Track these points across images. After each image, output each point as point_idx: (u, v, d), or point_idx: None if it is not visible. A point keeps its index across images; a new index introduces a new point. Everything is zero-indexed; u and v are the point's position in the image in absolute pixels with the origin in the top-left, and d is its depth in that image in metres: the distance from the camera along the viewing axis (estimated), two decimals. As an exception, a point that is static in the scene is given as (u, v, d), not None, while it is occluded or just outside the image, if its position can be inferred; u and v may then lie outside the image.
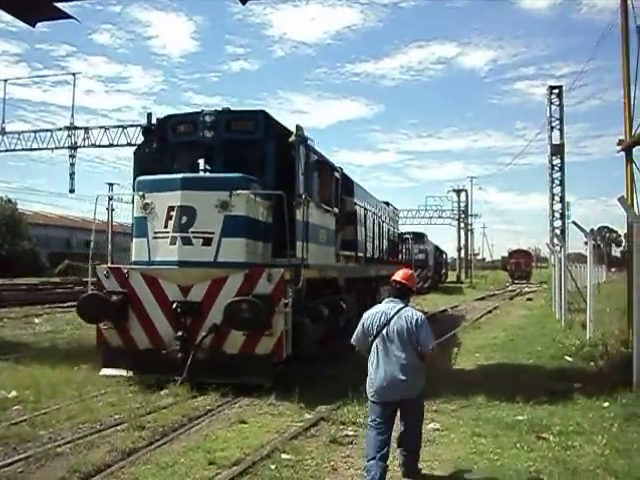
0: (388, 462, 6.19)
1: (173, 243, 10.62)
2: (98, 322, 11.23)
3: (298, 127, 11.56)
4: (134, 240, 11.33)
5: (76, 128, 42.85)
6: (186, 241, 10.55)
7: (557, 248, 26.74)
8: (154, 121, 12.69)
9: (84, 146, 43.11)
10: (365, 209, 17.58)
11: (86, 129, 42.52)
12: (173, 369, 10.26)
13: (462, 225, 74.71)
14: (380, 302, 6.80)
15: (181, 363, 10.25)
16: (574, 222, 19.20)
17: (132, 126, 41.79)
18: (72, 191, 47.03)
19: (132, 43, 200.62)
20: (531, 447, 7.43)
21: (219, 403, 9.62)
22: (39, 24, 14.43)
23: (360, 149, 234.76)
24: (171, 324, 10.68)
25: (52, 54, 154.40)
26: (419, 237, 41.10)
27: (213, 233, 10.55)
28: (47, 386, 10.25)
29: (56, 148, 43.13)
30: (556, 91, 39.34)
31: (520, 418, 8.74)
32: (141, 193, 11.07)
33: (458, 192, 73.32)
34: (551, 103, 39.04)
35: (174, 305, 10.62)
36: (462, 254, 76.80)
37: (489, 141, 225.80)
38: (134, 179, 11.76)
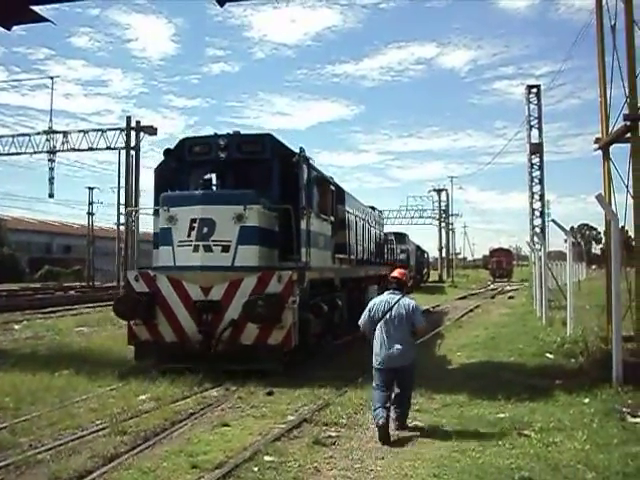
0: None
1: (196, 250, 12.18)
2: (131, 319, 12.61)
3: (301, 149, 13.43)
4: (160, 248, 12.82)
5: (55, 132, 42.66)
6: (207, 248, 12.15)
7: (537, 246, 26.93)
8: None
9: (63, 150, 42.94)
10: (355, 215, 19.34)
11: (65, 133, 42.35)
12: (196, 359, 11.75)
13: (443, 225, 75.08)
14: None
15: (202, 353, 11.77)
16: (553, 220, 19.41)
17: (111, 130, 41.75)
18: (51, 196, 46.86)
19: (111, 46, 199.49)
20: (513, 444, 7.47)
21: (202, 406, 9.61)
22: (15, 27, 14.33)
23: (341, 150, 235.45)
24: (194, 320, 12.19)
25: (30, 57, 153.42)
26: (400, 237, 41.19)
27: (230, 241, 12.15)
28: (27, 393, 10.17)
29: (35, 152, 42.94)
30: (534, 90, 39.65)
31: (502, 416, 8.80)
32: (166, 207, 12.54)
33: (439, 192, 73.68)
34: (529, 102, 39.34)
35: (196, 304, 12.20)
36: (443, 253, 77.11)
37: (469, 141, 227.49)
38: (155, 194, 13.67)
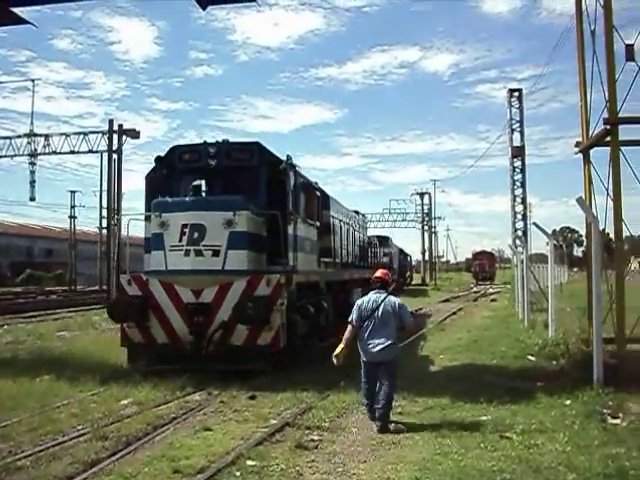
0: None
1: (187, 255, 12.54)
2: (124, 322, 12.95)
3: (288, 157, 13.94)
4: (152, 252, 13.18)
5: (36, 135, 42.36)
6: (198, 253, 12.51)
7: (519, 249, 27.08)
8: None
9: (44, 153, 42.61)
10: (339, 220, 20.08)
11: (46, 136, 42.04)
12: (188, 360, 12.06)
13: (426, 228, 75.24)
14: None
15: (194, 354, 12.10)
16: (535, 223, 19.50)
17: (93, 133, 41.50)
18: (33, 199, 46.61)
19: (94, 48, 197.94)
20: (494, 447, 7.49)
21: (184, 411, 9.57)
22: (-5, 30, 14.22)
23: (324, 153, 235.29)
24: (185, 322, 12.50)
25: (11, 59, 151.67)
26: (383, 240, 41.26)
27: (220, 246, 12.51)
28: (7, 398, 10.08)
29: (15, 155, 42.63)
30: (516, 94, 39.84)
31: (484, 418, 8.83)
32: (157, 213, 12.92)
33: (421, 195, 73.90)
34: (511, 106, 39.53)
35: (188, 306, 12.50)
36: (426, 257, 77.32)
37: (452, 144, 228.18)
38: (146, 200, 14.04)
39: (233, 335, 12.27)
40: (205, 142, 14.48)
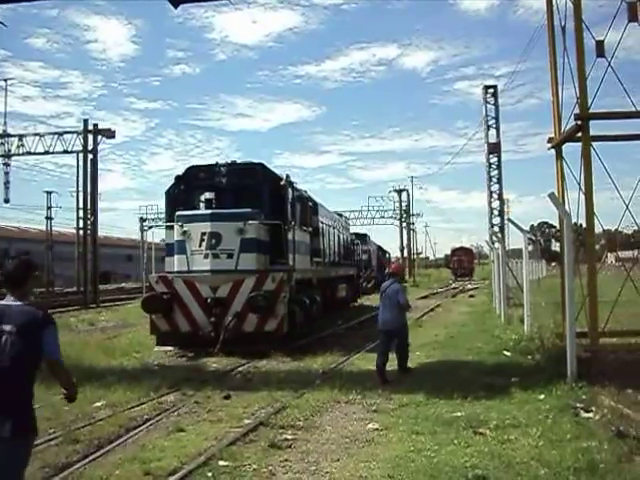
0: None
1: (206, 257, 15.45)
2: (155, 314, 15.44)
3: (287, 175, 17.23)
4: (175, 256, 15.90)
5: (9, 136, 41.86)
6: (215, 256, 15.43)
7: (496, 245, 27.21)
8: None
9: (18, 154, 42.09)
10: (327, 224, 23.42)
11: (20, 136, 41.52)
12: (207, 344, 14.75)
13: (404, 225, 75.30)
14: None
15: (213, 339, 14.73)
16: (509, 219, 19.66)
17: (68, 133, 41.07)
18: (7, 201, 46.11)
19: (70, 47, 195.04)
20: (468, 443, 7.52)
21: (157, 412, 9.51)
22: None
23: (303, 151, 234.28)
24: (205, 313, 15.23)
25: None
26: (362, 238, 41.24)
27: (234, 250, 15.41)
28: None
29: (-13, 156, 42.07)
30: (491, 90, 39.84)
31: (458, 414, 8.85)
32: (180, 223, 15.78)
33: (399, 192, 73.76)
34: (487, 102, 39.59)
35: (207, 300, 15.21)
36: (405, 253, 77.44)
37: (431, 141, 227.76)
38: (167, 212, 17.44)
39: (245, 323, 15.05)
40: (217, 163, 17.57)
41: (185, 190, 17.17)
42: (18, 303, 4.51)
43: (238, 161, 17.81)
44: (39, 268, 5.19)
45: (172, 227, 16.22)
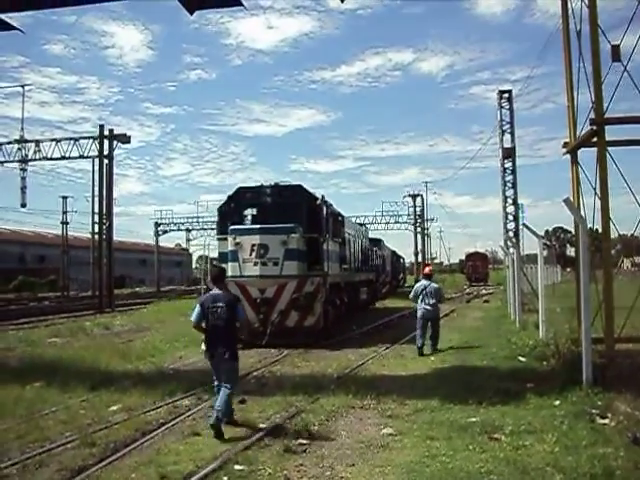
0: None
1: (255, 265, 18.31)
2: None
3: (322, 195, 20.38)
4: (229, 263, 18.17)
5: (27, 141, 42.23)
6: (263, 264, 18.28)
7: (511, 250, 27.09)
8: None
9: (35, 159, 42.47)
10: (351, 235, 26.85)
11: (37, 142, 41.91)
12: (256, 337, 17.10)
13: (418, 230, 75.13)
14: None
15: (261, 333, 17.36)
16: (524, 224, 19.56)
17: (84, 138, 41.39)
18: (24, 205, 46.50)
19: (87, 53, 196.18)
20: (483, 448, 7.49)
21: (173, 416, 9.53)
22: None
23: (318, 156, 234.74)
24: (254, 311, 17.87)
25: (4, 65, 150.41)
26: (376, 243, 41.24)
27: (279, 258, 18.22)
28: (-4, 405, 10.02)
29: (5, 162, 42.49)
30: (506, 95, 39.78)
31: (473, 420, 8.82)
32: (234, 236, 18.54)
33: (414, 197, 73.69)
34: (501, 107, 39.49)
35: (256, 300, 17.98)
36: (419, 258, 77.20)
37: (446, 146, 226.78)
38: (218, 226, 20.97)
39: (288, 319, 18.06)
40: (262, 185, 20.60)
41: (235, 207, 20.28)
42: (221, 292, 8.95)
43: (280, 183, 20.70)
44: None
45: (225, 239, 18.94)
